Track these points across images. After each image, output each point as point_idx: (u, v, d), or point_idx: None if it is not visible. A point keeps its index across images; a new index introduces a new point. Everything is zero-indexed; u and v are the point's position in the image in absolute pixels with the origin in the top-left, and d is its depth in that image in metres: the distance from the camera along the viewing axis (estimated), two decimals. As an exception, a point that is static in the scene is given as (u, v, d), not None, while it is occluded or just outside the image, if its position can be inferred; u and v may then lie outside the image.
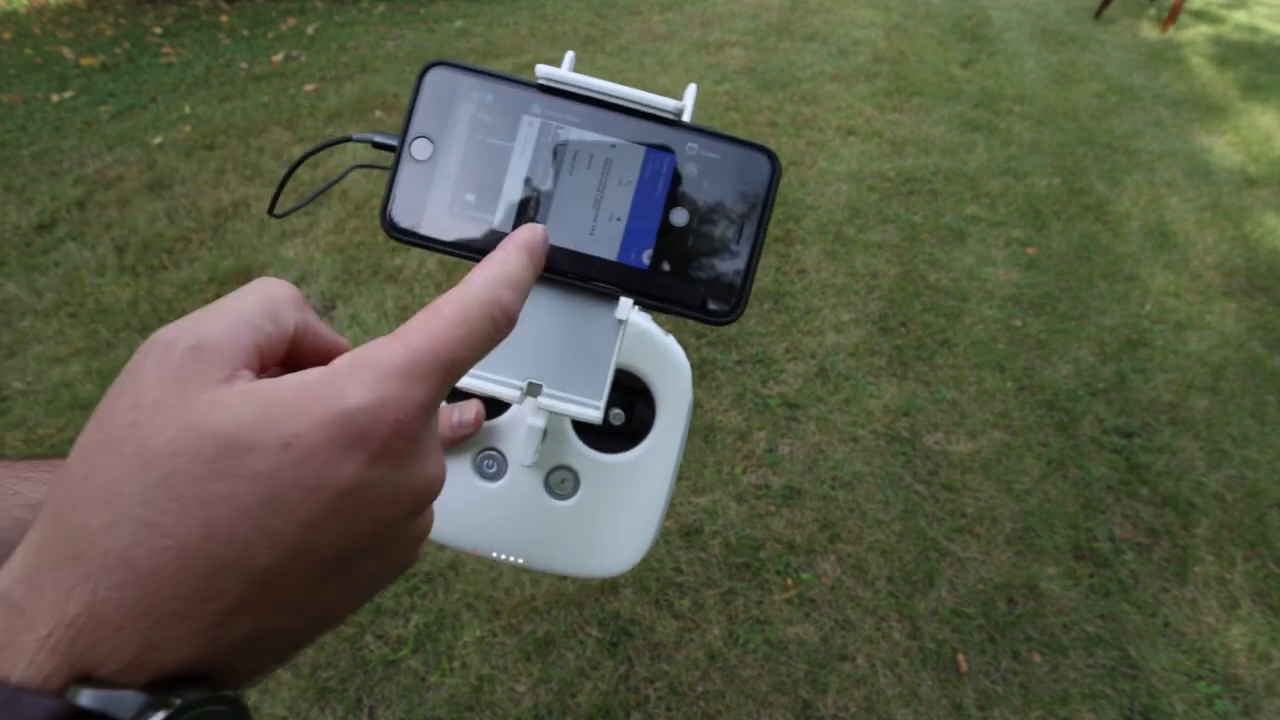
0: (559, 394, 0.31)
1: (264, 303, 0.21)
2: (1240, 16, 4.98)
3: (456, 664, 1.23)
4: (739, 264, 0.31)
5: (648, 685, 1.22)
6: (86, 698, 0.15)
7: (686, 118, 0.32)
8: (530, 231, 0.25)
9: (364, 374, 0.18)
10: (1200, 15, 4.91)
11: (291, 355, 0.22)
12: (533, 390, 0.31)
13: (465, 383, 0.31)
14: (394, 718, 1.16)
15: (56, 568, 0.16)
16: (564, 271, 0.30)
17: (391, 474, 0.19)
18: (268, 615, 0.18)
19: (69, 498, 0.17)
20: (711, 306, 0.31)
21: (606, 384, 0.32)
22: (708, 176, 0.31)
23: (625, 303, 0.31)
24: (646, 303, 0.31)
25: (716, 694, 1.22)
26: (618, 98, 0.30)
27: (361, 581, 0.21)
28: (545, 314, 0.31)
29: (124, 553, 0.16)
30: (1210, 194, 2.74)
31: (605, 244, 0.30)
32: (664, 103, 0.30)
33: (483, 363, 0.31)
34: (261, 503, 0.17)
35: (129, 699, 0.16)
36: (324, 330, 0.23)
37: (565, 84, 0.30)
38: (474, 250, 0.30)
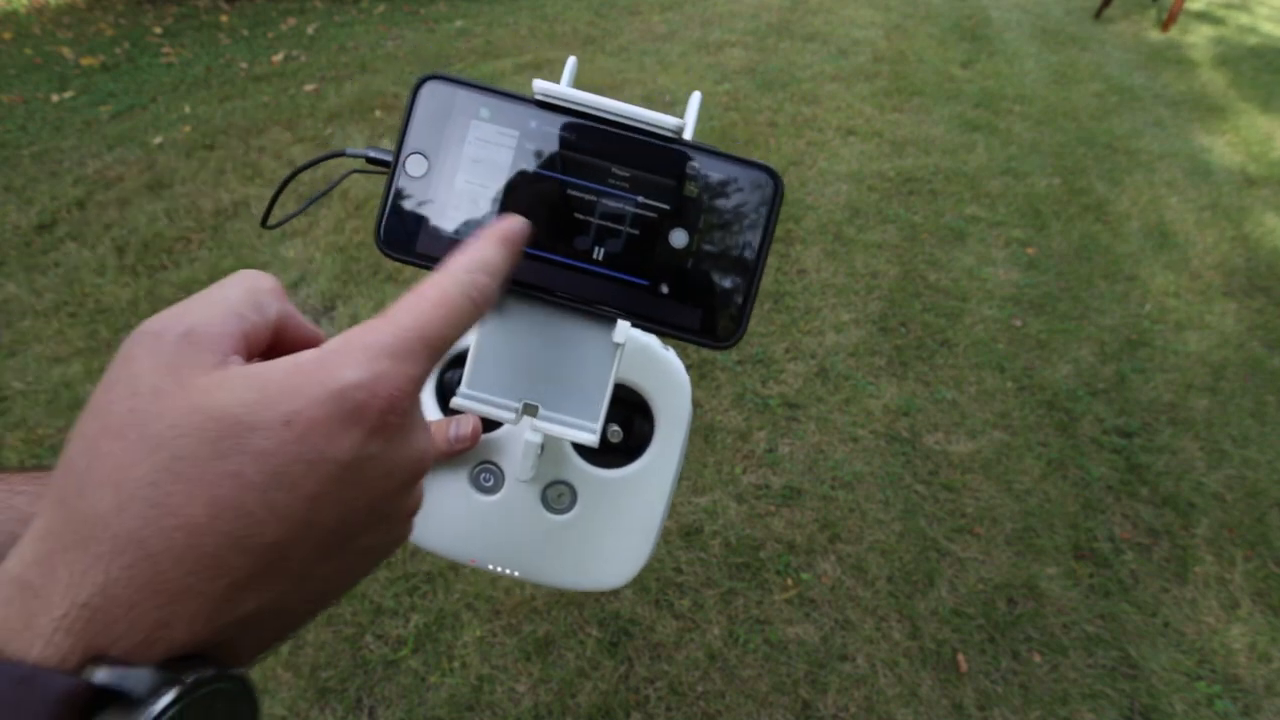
0: (555, 416, 0.31)
1: (248, 293, 0.21)
2: (1241, 17, 4.98)
3: (456, 664, 1.23)
4: (739, 286, 0.30)
5: (648, 685, 1.22)
6: (101, 675, 0.16)
7: (689, 130, 0.31)
8: (509, 221, 0.26)
9: (357, 353, 0.19)
10: (1200, 16, 4.91)
11: (273, 345, 0.22)
12: (529, 411, 0.31)
13: (461, 403, 0.30)
14: (394, 718, 1.16)
15: (68, 551, 0.17)
16: (561, 292, 0.30)
17: (387, 447, 0.19)
18: (273, 590, 0.19)
19: (74, 485, 0.17)
20: (711, 330, 0.30)
21: (603, 407, 0.31)
22: (708, 196, 0.30)
23: (623, 325, 0.30)
24: (644, 325, 0.30)
25: (716, 694, 1.22)
26: (617, 115, 0.29)
27: (359, 556, 0.22)
28: (542, 335, 0.31)
29: (134, 534, 0.16)
30: (1210, 194, 2.74)
31: (603, 265, 0.30)
32: (665, 120, 0.29)
33: (479, 383, 0.31)
34: (266, 478, 0.17)
35: (143, 676, 0.16)
36: (302, 320, 0.23)
37: (563, 100, 0.29)
38: None
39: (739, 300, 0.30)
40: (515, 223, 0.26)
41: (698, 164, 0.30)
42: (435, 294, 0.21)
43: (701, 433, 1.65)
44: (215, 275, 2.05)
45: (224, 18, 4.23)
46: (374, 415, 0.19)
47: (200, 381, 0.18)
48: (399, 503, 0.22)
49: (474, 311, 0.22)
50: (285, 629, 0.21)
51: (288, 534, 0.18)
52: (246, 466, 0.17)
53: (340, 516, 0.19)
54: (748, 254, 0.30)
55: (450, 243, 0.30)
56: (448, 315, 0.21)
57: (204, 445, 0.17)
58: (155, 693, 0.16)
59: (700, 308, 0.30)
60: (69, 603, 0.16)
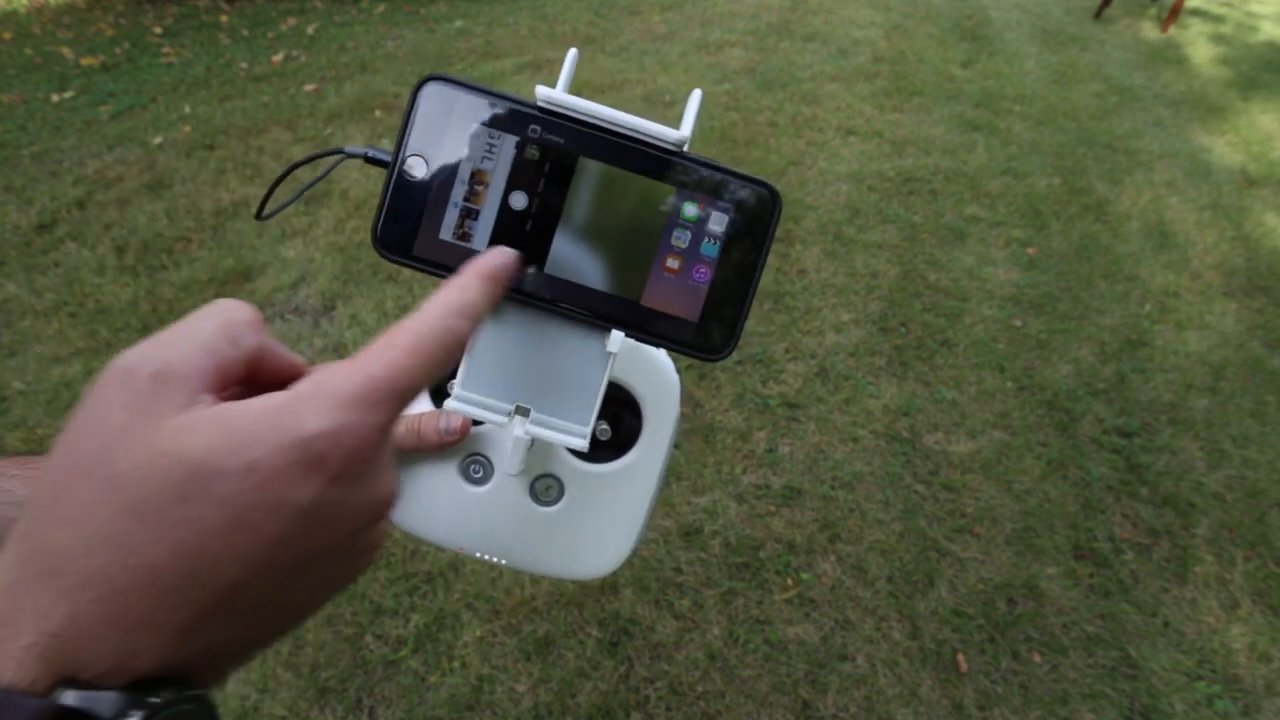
0: (546, 420, 0.32)
1: (223, 326, 0.21)
2: (1240, 17, 4.98)
3: (456, 664, 1.23)
4: (733, 300, 0.30)
5: (648, 685, 1.22)
6: (71, 698, 0.17)
7: (687, 132, 0.31)
8: (495, 256, 0.26)
9: (323, 401, 0.19)
10: (1200, 15, 4.91)
11: (250, 375, 0.22)
12: (521, 413, 0.31)
13: (455, 405, 0.31)
14: (394, 718, 1.16)
15: (36, 583, 0.17)
16: (556, 301, 0.30)
17: (348, 493, 0.20)
18: (233, 623, 0.20)
19: (42, 520, 0.18)
20: (703, 342, 0.31)
21: (594, 414, 0.32)
22: (706, 210, 0.30)
23: (616, 335, 0.30)
24: (637, 336, 0.31)
25: (716, 694, 1.22)
26: (619, 125, 0.29)
27: (319, 587, 0.22)
28: (536, 340, 0.31)
29: (99, 570, 0.17)
30: (1210, 194, 2.74)
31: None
32: (666, 133, 0.29)
33: (472, 384, 0.31)
34: (227, 523, 0.18)
35: (109, 698, 0.17)
36: (281, 350, 0.24)
37: (566, 108, 0.29)
38: None
39: (732, 314, 0.31)
40: (501, 258, 0.26)
41: (697, 178, 0.30)
42: (409, 341, 0.21)
43: (701, 433, 1.65)
44: (215, 275, 2.05)
45: (224, 18, 4.23)
46: (335, 464, 0.19)
47: (168, 423, 0.18)
48: (360, 540, 0.22)
49: (447, 358, 0.22)
50: (247, 652, 0.22)
51: (248, 574, 0.19)
52: (209, 511, 0.18)
53: (301, 556, 0.20)
54: (743, 268, 0.30)
55: (447, 247, 0.30)
56: (420, 364, 0.21)
57: (168, 489, 0.17)
58: (121, 714, 0.17)
59: (693, 320, 0.31)
60: (37, 631, 0.17)
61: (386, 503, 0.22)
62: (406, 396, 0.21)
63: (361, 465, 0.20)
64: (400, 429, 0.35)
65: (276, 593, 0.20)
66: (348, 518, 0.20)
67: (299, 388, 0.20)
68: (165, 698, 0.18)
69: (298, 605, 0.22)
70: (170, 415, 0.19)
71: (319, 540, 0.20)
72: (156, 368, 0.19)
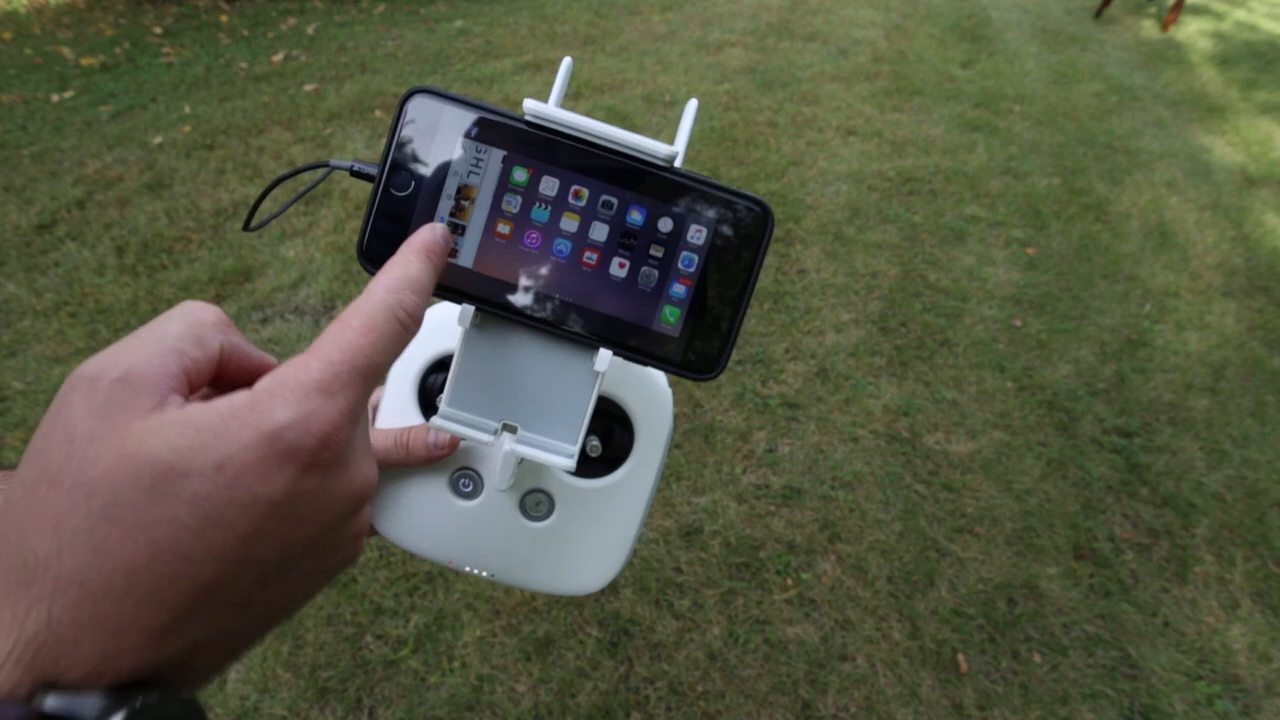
0: (534, 438, 0.31)
1: (189, 328, 0.21)
2: (1240, 15, 4.98)
3: (456, 664, 1.23)
4: (723, 319, 0.30)
5: (648, 685, 1.22)
6: (52, 702, 0.17)
7: (680, 156, 0.30)
8: (429, 232, 0.26)
9: (286, 393, 0.19)
10: (1201, 14, 4.91)
11: (219, 376, 0.22)
12: (508, 429, 0.31)
13: (439, 423, 0.31)
14: (394, 718, 1.16)
15: (12, 590, 0.17)
16: (544, 319, 0.30)
17: (323, 482, 0.20)
18: (215, 620, 0.20)
19: (15, 528, 0.18)
20: (691, 362, 0.30)
21: (581, 433, 0.31)
22: (696, 227, 0.29)
23: (604, 354, 0.30)
24: (624, 355, 0.30)
25: (716, 694, 1.22)
26: (608, 140, 0.29)
27: (304, 580, 0.22)
28: (524, 359, 0.31)
29: (74, 575, 0.17)
30: (1210, 194, 2.74)
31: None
32: (656, 148, 0.29)
33: (459, 402, 0.31)
34: (201, 521, 0.18)
35: (91, 702, 0.17)
36: (250, 349, 0.24)
37: (554, 122, 0.28)
38: (452, 291, 0.29)
39: (722, 333, 0.30)
40: (435, 232, 0.26)
41: (687, 194, 0.30)
42: (361, 322, 0.21)
43: (701, 433, 1.65)
44: (215, 275, 2.05)
45: (224, 18, 4.23)
46: (307, 453, 0.19)
47: (135, 427, 0.18)
48: (342, 530, 0.22)
49: (403, 333, 0.22)
50: (233, 651, 0.22)
51: (224, 571, 0.19)
52: (181, 510, 0.18)
53: (279, 550, 0.20)
54: (733, 286, 0.30)
55: None
56: (376, 342, 0.21)
57: (138, 491, 0.18)
58: (103, 717, 0.17)
59: (682, 339, 0.30)
60: (15, 638, 0.17)
61: (364, 489, 0.22)
62: (369, 375, 0.21)
63: (334, 452, 0.20)
64: (389, 443, 0.35)
65: (257, 589, 0.20)
66: (325, 508, 0.20)
67: (261, 384, 0.20)
68: (149, 700, 0.18)
69: (281, 601, 0.22)
70: (137, 419, 0.19)
71: (297, 533, 0.20)
72: (120, 374, 0.19)
